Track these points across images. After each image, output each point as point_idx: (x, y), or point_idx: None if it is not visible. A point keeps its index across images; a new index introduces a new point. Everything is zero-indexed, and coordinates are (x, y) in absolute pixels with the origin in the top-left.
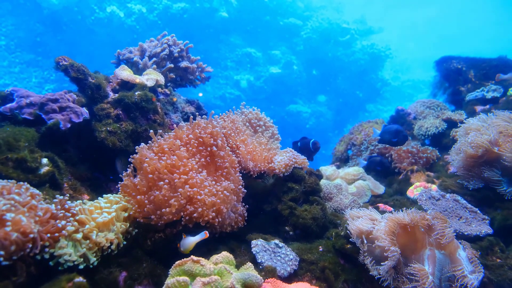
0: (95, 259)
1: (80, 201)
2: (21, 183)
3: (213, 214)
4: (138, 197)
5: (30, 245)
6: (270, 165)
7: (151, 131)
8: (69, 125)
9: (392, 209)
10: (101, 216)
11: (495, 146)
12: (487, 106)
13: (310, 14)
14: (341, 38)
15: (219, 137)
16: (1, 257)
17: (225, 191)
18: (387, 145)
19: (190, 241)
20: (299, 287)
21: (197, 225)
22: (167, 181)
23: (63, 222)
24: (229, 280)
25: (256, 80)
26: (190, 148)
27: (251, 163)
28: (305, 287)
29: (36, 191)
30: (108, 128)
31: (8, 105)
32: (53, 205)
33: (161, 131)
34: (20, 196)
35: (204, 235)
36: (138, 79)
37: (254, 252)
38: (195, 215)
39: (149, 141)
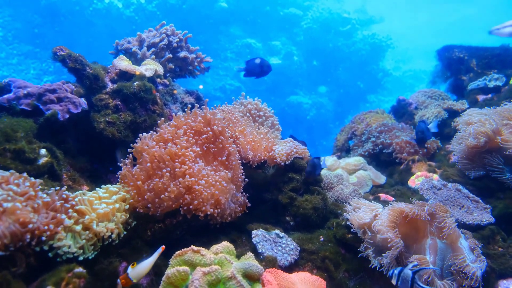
0: (91, 253)
1: (80, 191)
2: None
3: (211, 208)
4: (138, 182)
5: (29, 236)
6: (270, 154)
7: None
8: (67, 116)
9: (393, 199)
10: (101, 207)
11: (497, 136)
12: (489, 95)
13: (310, 4)
14: (342, 28)
15: (217, 124)
16: None
17: (222, 181)
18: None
19: (145, 265)
20: (300, 276)
21: (196, 216)
22: (169, 169)
23: (63, 213)
24: (230, 270)
25: None
26: (187, 138)
27: (250, 152)
28: (306, 276)
29: (35, 180)
30: (107, 119)
31: (6, 96)
32: (52, 195)
33: (160, 121)
34: (19, 186)
35: (160, 250)
36: (136, 69)
37: (254, 242)
38: (191, 207)
39: (150, 131)
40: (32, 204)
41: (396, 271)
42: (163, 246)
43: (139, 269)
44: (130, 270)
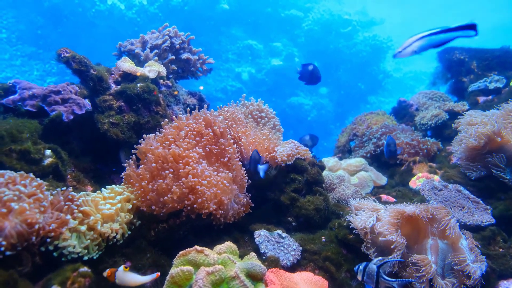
0: (95, 253)
1: (83, 192)
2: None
3: (214, 206)
4: (143, 183)
5: (34, 236)
6: (272, 154)
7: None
8: (71, 117)
9: (394, 200)
10: (106, 207)
11: (497, 137)
12: (490, 97)
13: (311, 6)
14: (343, 30)
15: (218, 125)
16: (2, 247)
17: (225, 181)
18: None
19: (133, 278)
20: (302, 276)
21: (199, 216)
22: (172, 170)
23: (68, 214)
24: (233, 270)
25: (258, 73)
26: (188, 139)
27: None
28: (308, 276)
29: (42, 182)
30: (111, 120)
31: (11, 97)
32: (57, 195)
33: (163, 122)
34: (26, 187)
35: (154, 276)
36: (140, 70)
37: (257, 243)
38: (195, 206)
39: (156, 132)
40: (39, 205)
41: (361, 267)
42: (158, 273)
43: (127, 276)
44: (121, 269)
